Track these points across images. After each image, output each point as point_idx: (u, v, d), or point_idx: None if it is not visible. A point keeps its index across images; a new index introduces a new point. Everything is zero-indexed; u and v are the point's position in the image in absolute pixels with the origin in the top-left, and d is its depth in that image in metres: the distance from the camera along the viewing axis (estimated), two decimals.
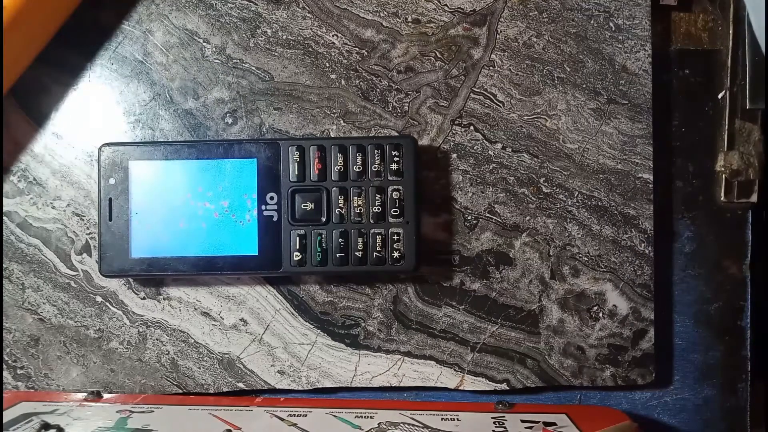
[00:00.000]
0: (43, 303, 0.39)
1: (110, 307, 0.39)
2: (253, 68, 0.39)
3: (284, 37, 0.39)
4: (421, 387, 0.39)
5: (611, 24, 0.39)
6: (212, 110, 0.39)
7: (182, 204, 0.36)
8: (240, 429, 0.33)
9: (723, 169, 0.40)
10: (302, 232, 0.36)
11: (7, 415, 0.34)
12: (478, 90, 0.39)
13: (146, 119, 0.39)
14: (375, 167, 0.36)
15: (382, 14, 0.39)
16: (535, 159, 0.39)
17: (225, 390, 0.39)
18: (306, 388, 0.39)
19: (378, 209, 0.36)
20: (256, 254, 0.36)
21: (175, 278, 0.39)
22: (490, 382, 0.39)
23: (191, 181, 0.36)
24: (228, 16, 0.39)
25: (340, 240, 0.36)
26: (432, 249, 0.39)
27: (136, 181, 0.36)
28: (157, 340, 0.39)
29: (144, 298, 0.39)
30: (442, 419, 0.35)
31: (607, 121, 0.39)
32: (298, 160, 0.36)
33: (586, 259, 0.39)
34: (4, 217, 0.39)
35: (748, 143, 0.40)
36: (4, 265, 0.39)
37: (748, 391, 0.40)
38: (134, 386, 0.39)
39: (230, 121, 0.39)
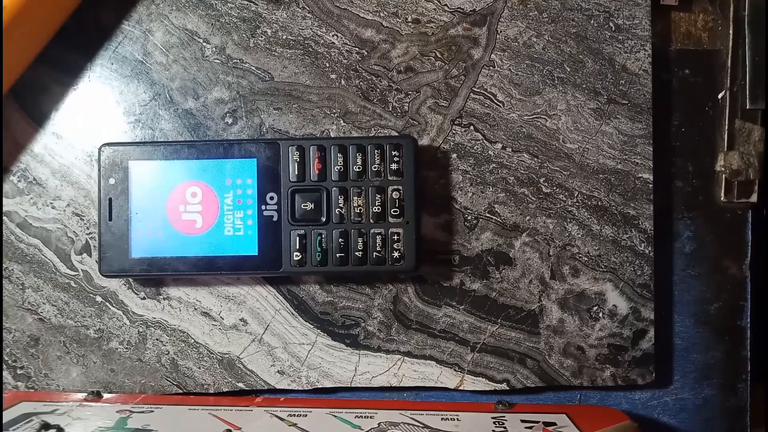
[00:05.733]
0: (43, 303, 0.39)
1: (110, 307, 0.39)
2: (253, 68, 0.39)
3: (284, 37, 0.39)
4: (421, 387, 0.39)
5: (611, 24, 0.39)
6: (212, 110, 0.39)
7: (182, 204, 0.36)
8: (240, 429, 0.33)
9: (723, 169, 0.40)
10: (302, 232, 0.36)
11: (7, 415, 0.34)
12: (478, 90, 0.39)
13: (146, 119, 0.39)
14: (375, 167, 0.36)
15: (382, 14, 0.39)
16: (535, 159, 0.39)
17: (225, 390, 0.39)
18: (306, 388, 0.39)
19: (378, 209, 0.36)
20: (256, 254, 0.36)
21: (175, 278, 0.39)
22: (490, 382, 0.39)
23: (191, 181, 0.36)
24: (228, 16, 0.39)
25: (340, 240, 0.36)
26: (432, 249, 0.39)
27: (136, 181, 0.36)
28: (157, 340, 0.39)
29: (144, 298, 0.39)
30: (442, 419, 0.35)
31: (607, 121, 0.39)
32: (298, 160, 0.36)
33: (586, 259, 0.39)
34: (4, 217, 0.39)
35: (748, 143, 0.40)
36: (4, 265, 0.39)
37: (748, 391, 0.40)
38: (134, 386, 0.39)
39: (230, 121, 0.39)
